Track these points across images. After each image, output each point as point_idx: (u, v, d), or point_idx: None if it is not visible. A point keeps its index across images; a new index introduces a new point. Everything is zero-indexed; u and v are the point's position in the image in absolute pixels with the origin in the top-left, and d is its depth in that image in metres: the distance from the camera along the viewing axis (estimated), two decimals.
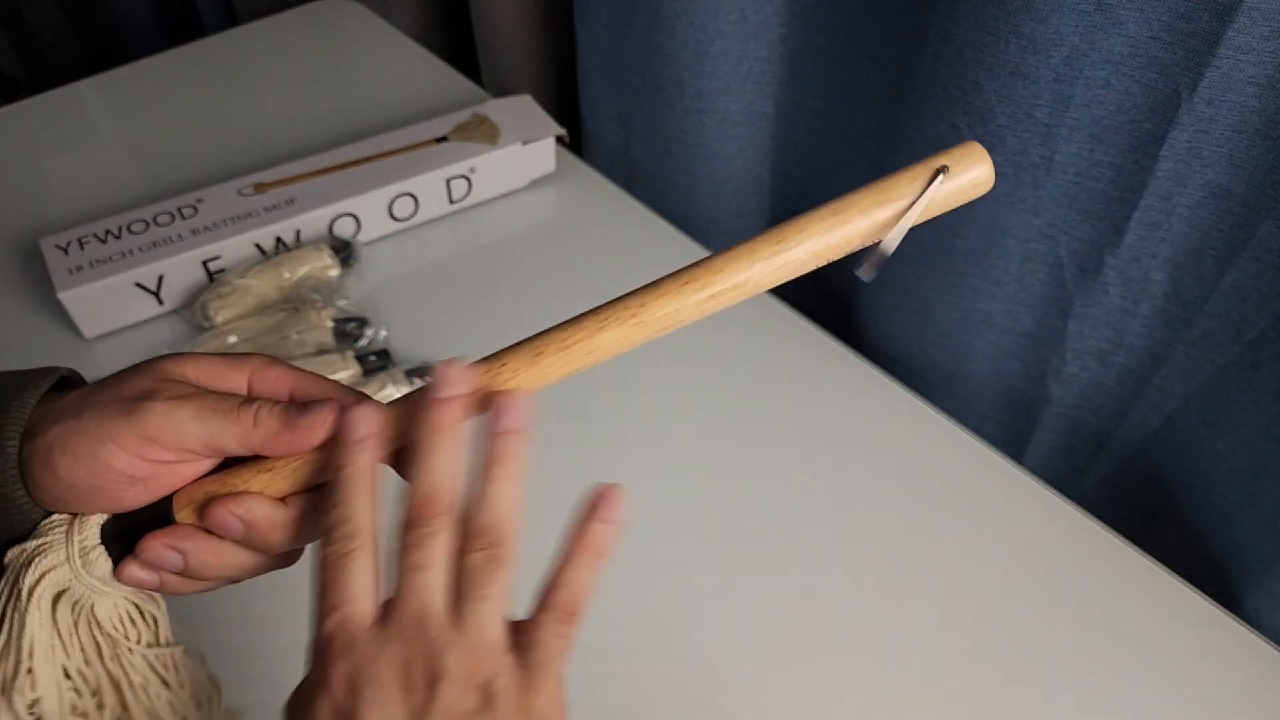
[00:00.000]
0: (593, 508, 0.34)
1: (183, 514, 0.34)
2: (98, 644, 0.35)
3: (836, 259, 0.34)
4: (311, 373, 0.36)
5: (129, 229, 0.73)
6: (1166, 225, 0.60)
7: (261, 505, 0.33)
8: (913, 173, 0.34)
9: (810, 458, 0.66)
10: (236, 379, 0.35)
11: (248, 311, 0.72)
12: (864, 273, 0.34)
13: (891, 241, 0.34)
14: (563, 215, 0.86)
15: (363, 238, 0.80)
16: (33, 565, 0.33)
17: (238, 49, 1.03)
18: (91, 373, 0.36)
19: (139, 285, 0.72)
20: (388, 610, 0.31)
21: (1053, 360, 0.71)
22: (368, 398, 0.35)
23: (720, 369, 0.72)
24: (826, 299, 0.85)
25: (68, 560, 0.33)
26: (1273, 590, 0.60)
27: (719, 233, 0.89)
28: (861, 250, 0.35)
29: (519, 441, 0.33)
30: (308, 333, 0.70)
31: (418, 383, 0.68)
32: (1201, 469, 0.65)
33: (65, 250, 0.72)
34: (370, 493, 0.32)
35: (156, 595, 0.36)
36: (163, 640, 0.36)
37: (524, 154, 0.83)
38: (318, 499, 0.34)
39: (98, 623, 0.35)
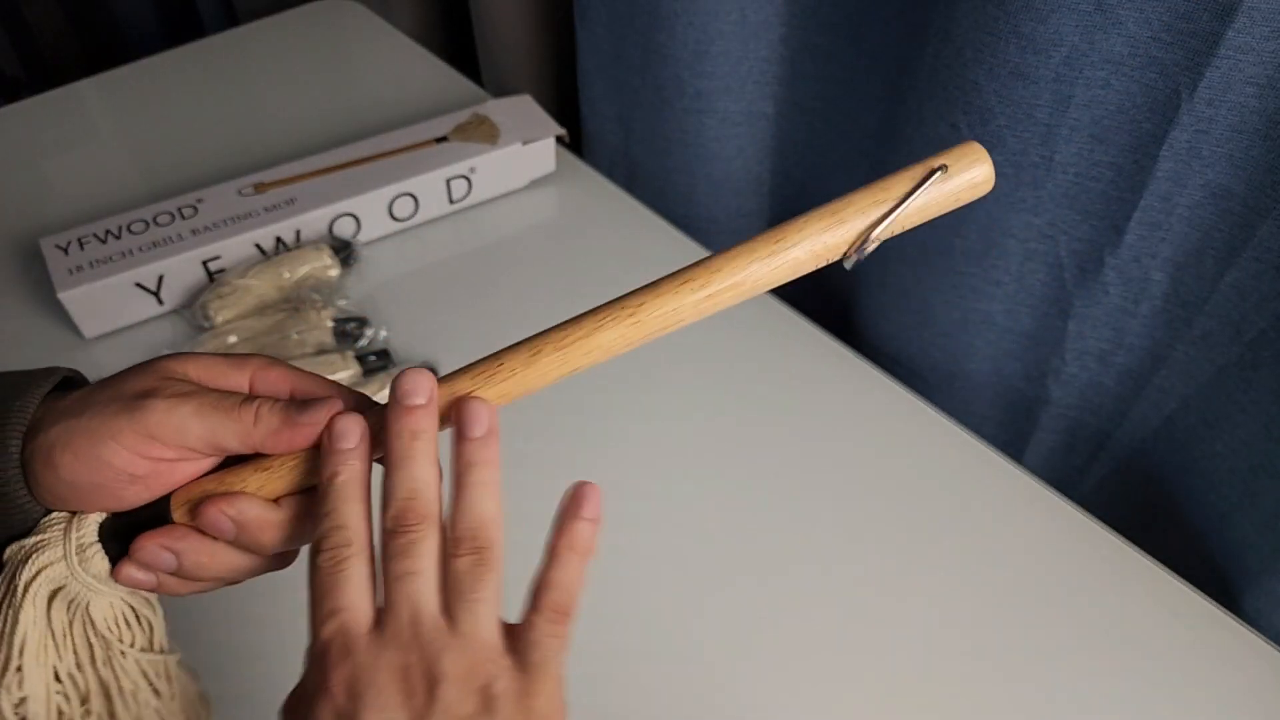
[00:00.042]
0: (572, 506, 0.34)
1: (179, 513, 0.34)
2: (91, 646, 0.35)
3: (836, 259, 0.34)
4: (312, 373, 0.36)
5: (129, 229, 0.73)
6: (1166, 225, 0.60)
7: (253, 506, 0.33)
8: (912, 172, 0.34)
9: (810, 458, 0.66)
10: (238, 378, 0.35)
11: (248, 311, 0.72)
12: (847, 261, 0.34)
13: (880, 233, 0.33)
14: (563, 215, 0.86)
15: (363, 238, 0.80)
16: (30, 561, 0.33)
17: (238, 49, 1.03)
18: (91, 373, 0.36)
19: (139, 285, 0.72)
20: (382, 617, 0.31)
21: (1053, 360, 0.71)
22: (368, 398, 0.35)
23: (720, 369, 0.72)
24: (826, 299, 0.85)
25: (65, 557, 0.33)
26: (1273, 590, 0.60)
27: (719, 233, 0.89)
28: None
29: (489, 446, 0.33)
30: (308, 333, 0.70)
31: None
32: (1201, 469, 0.65)
33: (65, 250, 0.72)
34: (361, 499, 0.32)
35: (154, 602, 0.36)
36: (157, 647, 0.36)
37: (524, 154, 0.83)
38: (311, 501, 0.34)
39: (92, 623, 0.35)
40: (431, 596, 0.31)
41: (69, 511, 0.33)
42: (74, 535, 0.33)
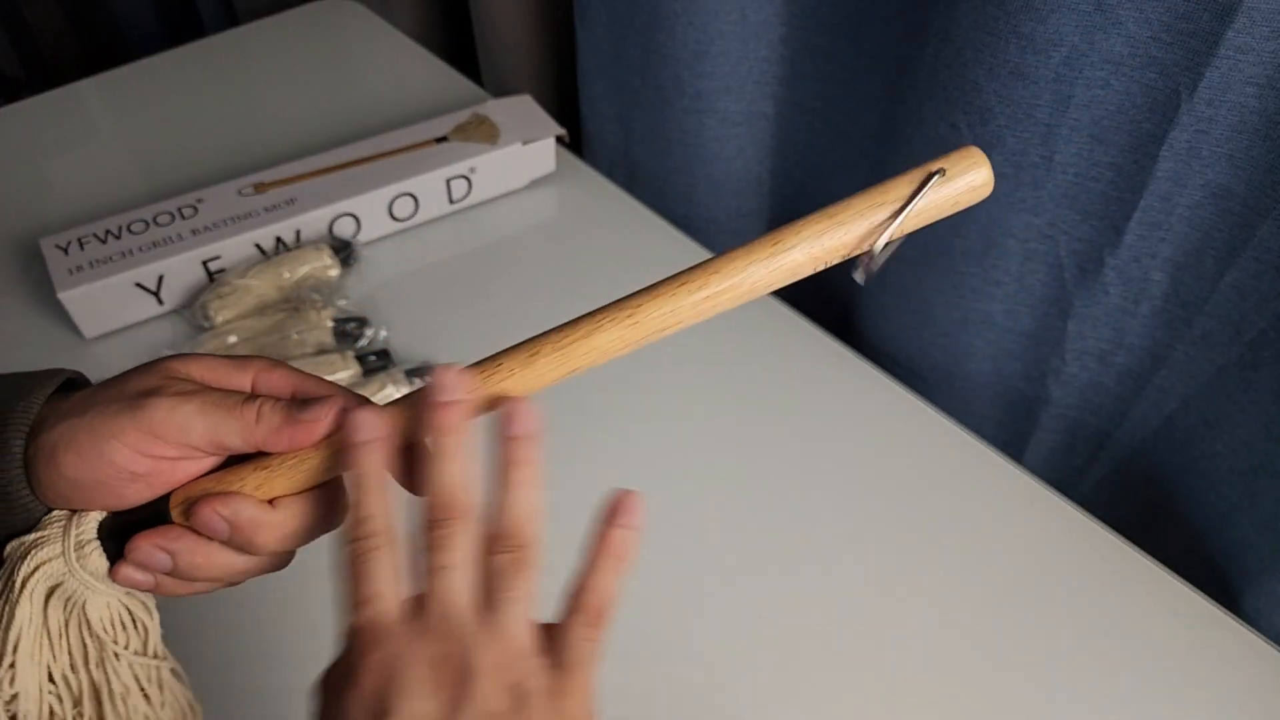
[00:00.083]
0: (611, 513, 0.34)
1: (176, 513, 0.34)
2: (85, 646, 0.35)
3: (835, 263, 0.34)
4: (314, 375, 0.36)
5: (129, 229, 0.73)
6: (1166, 225, 0.60)
7: (247, 506, 0.33)
8: (910, 176, 0.34)
9: (810, 458, 0.66)
10: (240, 379, 0.35)
11: (248, 311, 0.73)
12: (859, 275, 0.34)
13: (882, 243, 0.33)
14: (563, 215, 0.86)
15: (363, 238, 0.80)
16: (29, 557, 0.33)
17: (238, 49, 1.03)
18: (92, 373, 0.36)
19: (139, 285, 0.72)
20: (416, 607, 0.31)
21: (1052, 360, 0.71)
22: (369, 401, 0.35)
23: (721, 369, 0.72)
24: (826, 299, 0.85)
25: (63, 553, 0.33)
26: (1273, 590, 0.60)
27: (719, 233, 0.89)
28: (860, 254, 0.35)
29: (532, 445, 0.33)
30: (308, 333, 0.70)
31: (418, 383, 0.68)
32: (1201, 469, 0.65)
33: (65, 250, 0.72)
34: (384, 491, 0.32)
35: (151, 608, 0.36)
36: (150, 651, 0.36)
37: (524, 154, 0.83)
38: (307, 503, 0.34)
39: (88, 623, 0.35)
40: (467, 591, 0.31)
41: (70, 510, 0.34)
42: (73, 532, 0.33)
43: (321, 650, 0.58)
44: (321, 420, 0.33)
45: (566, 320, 0.34)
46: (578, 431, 0.66)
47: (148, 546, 0.33)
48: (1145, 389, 0.69)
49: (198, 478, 0.34)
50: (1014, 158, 0.62)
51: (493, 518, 0.32)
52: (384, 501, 0.32)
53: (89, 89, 0.97)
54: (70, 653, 0.35)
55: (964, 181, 0.34)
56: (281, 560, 0.36)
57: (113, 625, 0.35)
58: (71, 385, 0.35)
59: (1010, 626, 0.58)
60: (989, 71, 0.58)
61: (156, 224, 0.74)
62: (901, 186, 0.34)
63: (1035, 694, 0.55)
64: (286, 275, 0.74)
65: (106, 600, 0.35)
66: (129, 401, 0.32)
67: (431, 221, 0.83)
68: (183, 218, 0.75)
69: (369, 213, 0.79)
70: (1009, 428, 0.78)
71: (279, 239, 0.76)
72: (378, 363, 0.70)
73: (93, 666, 0.35)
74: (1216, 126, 0.54)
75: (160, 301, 0.74)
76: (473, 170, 0.81)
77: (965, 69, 0.60)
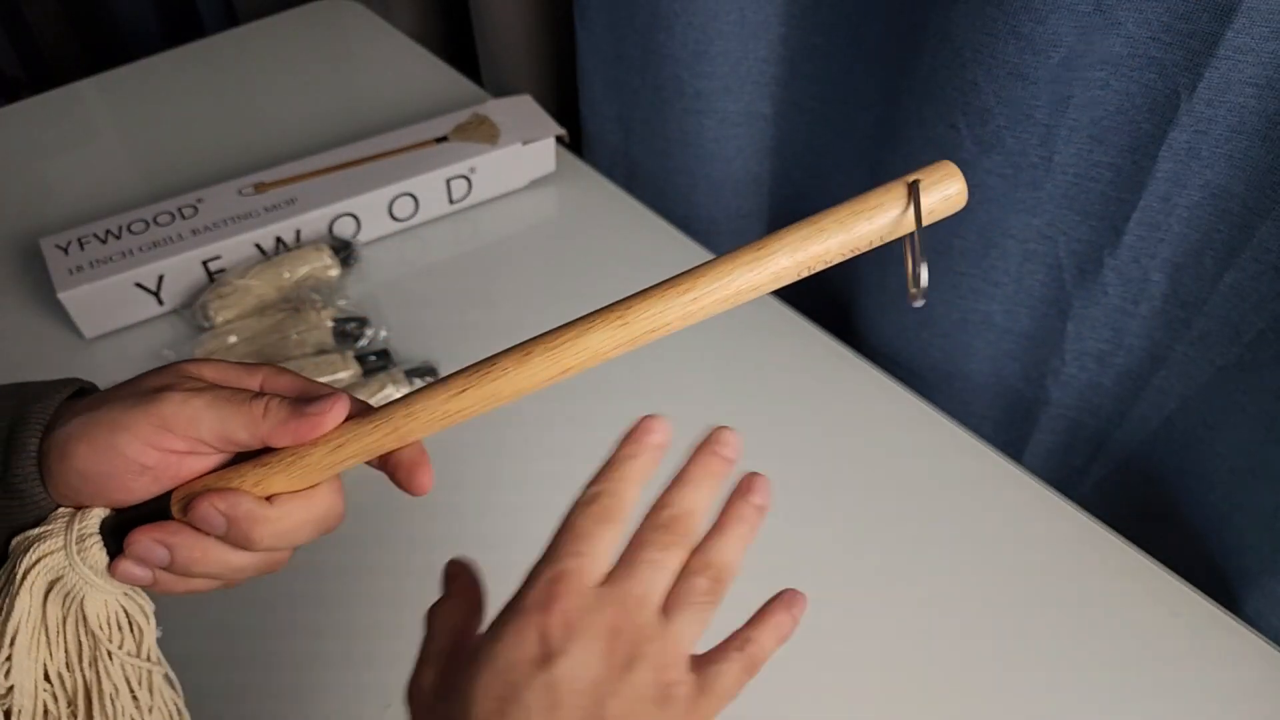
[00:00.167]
0: (779, 598, 0.37)
1: (176, 509, 0.34)
2: (81, 643, 0.35)
3: (818, 269, 0.35)
4: (321, 382, 0.37)
5: (129, 229, 0.74)
6: (1165, 226, 0.60)
7: (244, 501, 0.34)
8: (887, 187, 0.35)
9: (810, 458, 0.66)
10: (250, 381, 0.36)
11: (248, 312, 0.73)
12: (918, 302, 0.35)
13: (925, 273, 0.35)
14: (563, 215, 0.86)
15: (363, 238, 0.80)
16: (31, 550, 0.34)
17: (238, 49, 1.03)
18: (91, 373, 0.37)
19: (139, 285, 0.72)
20: (615, 581, 0.33)
21: (1052, 361, 0.71)
22: (371, 406, 0.36)
23: (720, 369, 0.72)
24: (826, 299, 0.85)
25: (64, 547, 0.34)
26: (1273, 590, 0.60)
27: (719, 233, 0.89)
28: (910, 293, 0.35)
29: (760, 515, 0.37)
30: (308, 333, 0.70)
31: (418, 383, 0.68)
32: (1201, 470, 0.65)
33: (65, 250, 0.72)
34: (641, 485, 0.35)
35: (148, 612, 0.37)
36: (144, 654, 0.37)
37: (524, 154, 0.83)
38: (304, 501, 0.35)
39: (85, 619, 0.35)
40: (661, 592, 0.34)
41: (76, 506, 0.34)
42: (75, 527, 0.34)
43: (322, 649, 0.58)
44: (326, 414, 0.34)
45: (563, 322, 0.35)
46: (576, 430, 0.66)
47: (146, 540, 0.34)
48: (1144, 390, 0.69)
49: (200, 475, 0.35)
50: (1013, 158, 0.62)
51: (705, 547, 0.35)
52: (636, 491, 0.35)
53: (89, 89, 0.97)
54: (66, 649, 0.35)
55: (938, 194, 0.35)
56: (279, 560, 0.36)
57: (109, 624, 0.35)
58: (83, 395, 0.36)
59: (1010, 626, 0.58)
60: (988, 72, 0.58)
61: (156, 224, 0.74)
62: (878, 195, 0.35)
63: (1035, 694, 0.55)
64: (286, 275, 0.74)
65: (105, 598, 0.35)
66: (142, 397, 0.33)
67: (431, 221, 0.83)
68: (183, 218, 0.75)
69: (369, 213, 0.79)
70: (1008, 428, 0.78)
71: (279, 239, 0.76)
72: (378, 363, 0.70)
73: (86, 665, 0.36)
74: (1216, 127, 0.54)
75: (160, 302, 0.74)
76: (473, 170, 0.81)
77: (964, 69, 0.60)
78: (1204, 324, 0.62)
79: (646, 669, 0.32)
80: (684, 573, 0.34)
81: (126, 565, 0.34)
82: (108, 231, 0.73)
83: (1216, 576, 0.64)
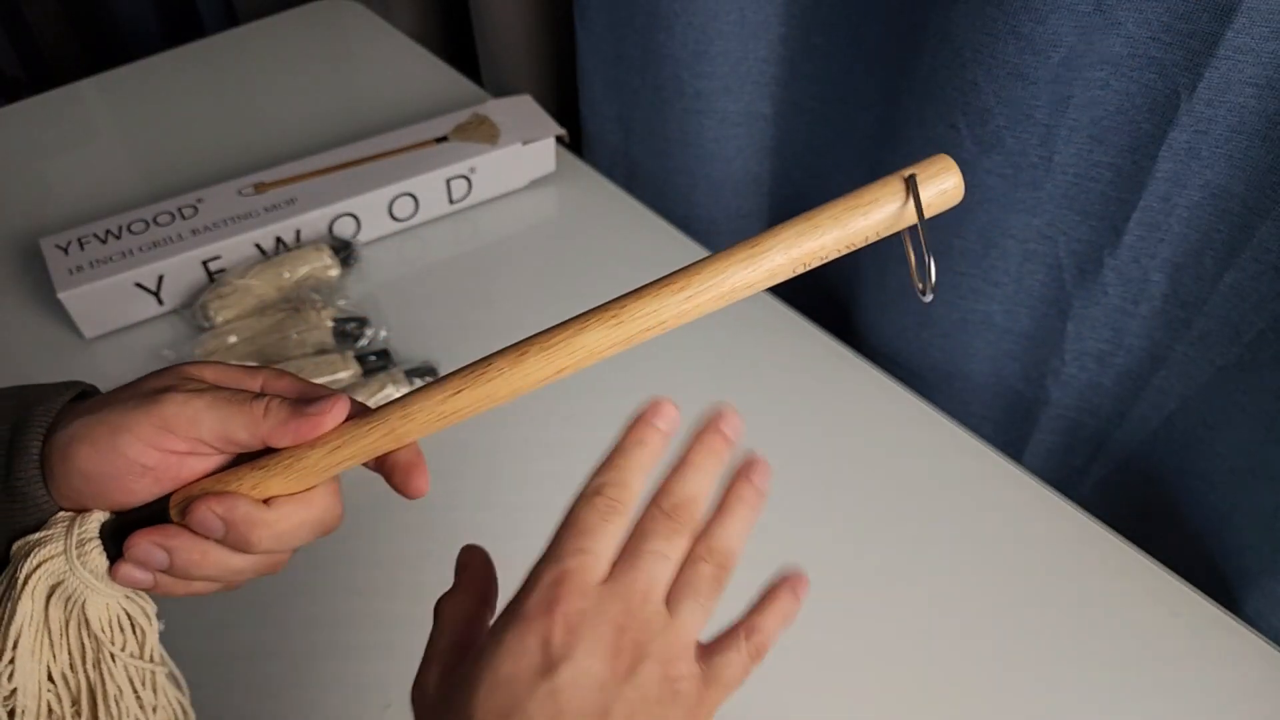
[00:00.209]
0: (782, 582, 0.37)
1: (175, 512, 0.34)
2: (84, 646, 0.35)
3: (813, 266, 0.35)
4: (321, 385, 0.37)
5: (129, 229, 0.74)
6: (1165, 226, 0.60)
7: (242, 504, 0.34)
8: (882, 181, 0.35)
9: (809, 457, 0.66)
10: (250, 383, 0.37)
11: (248, 312, 0.73)
12: (927, 297, 0.35)
13: (932, 268, 0.35)
14: (563, 215, 0.86)
15: (363, 238, 0.80)
16: (31, 555, 0.34)
17: (238, 49, 1.03)
18: (91, 373, 0.37)
19: (139, 285, 0.72)
20: (617, 573, 0.33)
21: (1052, 361, 0.71)
22: (367, 407, 0.36)
23: (719, 368, 0.72)
24: (826, 299, 0.85)
25: (65, 551, 0.34)
26: (1273, 591, 0.60)
27: (718, 233, 0.89)
28: (918, 286, 0.35)
29: (762, 498, 0.37)
30: (308, 333, 0.70)
31: (418, 383, 0.68)
32: (1201, 470, 0.65)
33: (65, 250, 0.72)
34: (648, 474, 0.35)
35: (150, 614, 0.37)
36: (146, 655, 0.37)
37: (524, 154, 0.83)
38: (302, 504, 0.35)
39: (87, 622, 0.35)
40: (665, 583, 0.33)
41: (76, 510, 0.34)
42: (75, 531, 0.34)
43: (320, 649, 0.58)
44: (327, 414, 0.34)
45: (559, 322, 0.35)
46: (575, 430, 0.66)
47: (145, 543, 0.34)
48: (1144, 390, 0.69)
49: (199, 478, 0.35)
50: (1013, 158, 0.62)
51: (709, 533, 0.35)
52: (642, 481, 0.35)
53: (89, 89, 0.97)
54: (69, 652, 0.35)
55: (935, 188, 0.35)
56: (279, 561, 0.37)
57: (111, 626, 0.36)
58: (85, 397, 0.36)
59: (1010, 626, 0.58)
60: (988, 72, 0.58)
61: (156, 224, 0.74)
62: (874, 190, 0.35)
63: (1036, 694, 0.55)
64: (286, 275, 0.74)
65: (106, 601, 0.35)
66: (143, 398, 0.33)
67: (431, 221, 0.83)
68: (183, 218, 0.75)
69: (369, 213, 0.79)
70: (1008, 428, 0.78)
71: (279, 239, 0.76)
72: (378, 363, 0.70)
73: (89, 666, 0.36)
74: (1216, 127, 0.54)
75: (160, 301, 0.74)
76: (473, 170, 0.81)
77: (964, 69, 0.60)
78: (1204, 324, 0.62)
79: (652, 666, 0.31)
80: (688, 560, 0.34)
81: (127, 569, 0.34)
82: (108, 231, 0.73)
83: (1216, 576, 0.64)
